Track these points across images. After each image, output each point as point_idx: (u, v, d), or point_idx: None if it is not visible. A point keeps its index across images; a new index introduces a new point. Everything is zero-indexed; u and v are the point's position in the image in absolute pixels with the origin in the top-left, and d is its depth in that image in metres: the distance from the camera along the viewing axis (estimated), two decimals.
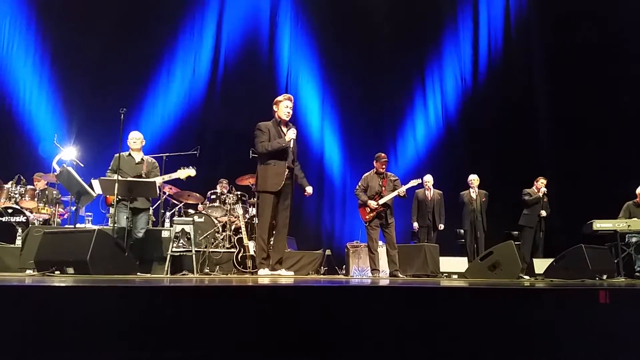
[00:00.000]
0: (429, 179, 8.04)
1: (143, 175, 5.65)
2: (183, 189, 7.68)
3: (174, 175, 5.74)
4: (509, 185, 8.66)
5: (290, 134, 5.04)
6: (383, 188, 6.41)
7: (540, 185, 8.11)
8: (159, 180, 5.60)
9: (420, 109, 10.83)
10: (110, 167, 5.72)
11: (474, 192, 8.15)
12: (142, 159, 5.82)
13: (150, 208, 6.10)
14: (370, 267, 6.53)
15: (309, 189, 5.42)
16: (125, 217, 5.46)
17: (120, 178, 5.25)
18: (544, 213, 7.98)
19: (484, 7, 10.92)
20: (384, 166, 6.54)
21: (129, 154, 5.79)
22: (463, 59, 10.85)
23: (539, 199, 8.02)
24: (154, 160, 5.99)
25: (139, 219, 5.68)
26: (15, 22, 9.62)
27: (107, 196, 5.70)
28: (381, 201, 6.34)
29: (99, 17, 9.66)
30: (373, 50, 10.69)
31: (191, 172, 5.71)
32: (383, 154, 6.63)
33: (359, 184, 6.61)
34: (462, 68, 10.83)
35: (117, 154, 5.63)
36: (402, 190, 6.45)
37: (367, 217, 6.41)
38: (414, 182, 6.84)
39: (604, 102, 9.08)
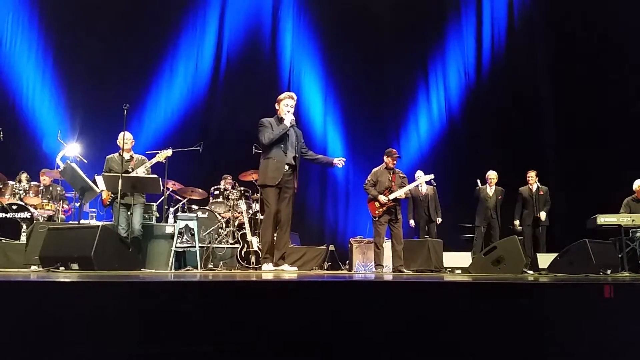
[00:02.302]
0: (420, 174, 8.05)
1: (130, 171, 5.82)
2: (187, 185, 7.70)
3: (153, 161, 6.00)
4: (512, 180, 8.64)
5: (289, 117, 5.07)
6: (393, 184, 6.40)
7: (532, 180, 8.18)
8: (141, 171, 5.81)
9: (424, 104, 10.80)
10: (103, 170, 5.96)
11: (490, 189, 8.15)
12: (131, 157, 6.00)
13: (150, 203, 6.20)
14: (374, 262, 6.51)
15: (340, 160, 5.36)
16: (125, 217, 5.70)
17: (124, 174, 5.35)
18: (543, 216, 7.99)
19: (488, 1, 10.86)
20: (395, 162, 6.52)
21: (119, 154, 5.93)
22: (466, 54, 10.80)
23: (529, 198, 8.11)
24: (143, 157, 6.15)
25: (133, 214, 5.82)
26: (18, 19, 9.61)
27: (103, 197, 5.88)
28: (391, 196, 6.31)
29: (102, 13, 9.65)
30: (376, 45, 10.66)
31: (168, 152, 6.10)
32: (394, 150, 6.64)
33: (368, 178, 6.55)
34: (465, 62, 10.78)
35: (108, 156, 5.99)
36: (412, 185, 6.65)
37: (377, 212, 6.35)
38: (426, 177, 6.97)
39: (608, 96, 9.04)
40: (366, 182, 6.56)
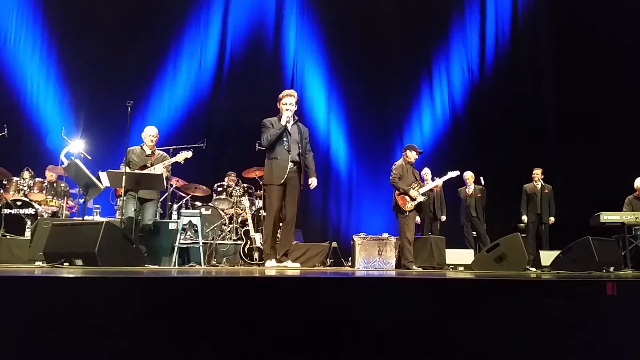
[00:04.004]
0: (427, 171, 8.06)
1: (148, 165, 5.78)
2: (190, 182, 7.71)
3: (172, 160, 5.95)
4: (515, 177, 8.64)
5: (285, 115, 5.05)
6: (416, 179, 6.42)
7: (537, 178, 8.26)
8: (159, 167, 5.73)
9: (427, 101, 10.78)
10: (123, 161, 5.83)
11: (469, 189, 8.37)
12: (152, 152, 5.97)
13: (159, 200, 6.16)
14: (407, 259, 6.24)
15: (313, 182, 5.30)
16: (132, 207, 5.54)
17: (128, 170, 5.33)
18: (551, 220, 8.09)
19: None
20: (417, 156, 6.46)
21: (142, 147, 5.91)
22: (470, 51, 10.77)
23: (533, 196, 8.15)
24: (165, 154, 6.10)
25: (146, 210, 5.78)
26: (22, 16, 9.63)
27: (117, 188, 5.81)
28: (422, 190, 6.28)
29: (105, 10, 9.65)
30: (380, 42, 10.63)
31: (188, 154, 5.98)
32: (415, 145, 6.64)
33: (394, 172, 6.38)
34: (469, 60, 10.75)
35: (130, 148, 5.82)
36: (440, 180, 6.75)
37: (408, 206, 6.25)
38: (452, 174, 6.89)
39: (611, 94, 9.00)
40: (393, 176, 6.37)
